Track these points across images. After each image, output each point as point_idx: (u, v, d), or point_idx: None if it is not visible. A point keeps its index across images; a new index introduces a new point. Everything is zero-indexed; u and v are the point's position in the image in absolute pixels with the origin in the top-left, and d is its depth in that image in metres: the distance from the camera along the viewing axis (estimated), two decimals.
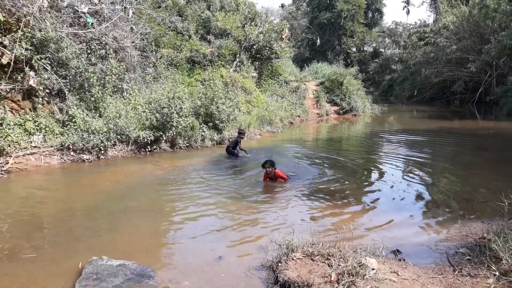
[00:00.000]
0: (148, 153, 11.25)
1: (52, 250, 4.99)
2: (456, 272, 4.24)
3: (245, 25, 20.04)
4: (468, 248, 4.87)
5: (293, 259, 4.36)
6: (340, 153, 12.16)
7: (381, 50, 52.80)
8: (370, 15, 51.73)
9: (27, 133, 9.75)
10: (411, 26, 49.13)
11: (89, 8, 12.44)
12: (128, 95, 12.82)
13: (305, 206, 6.81)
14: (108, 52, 12.21)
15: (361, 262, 4.03)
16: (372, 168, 9.92)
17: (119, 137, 10.80)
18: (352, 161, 10.82)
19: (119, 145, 10.90)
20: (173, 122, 11.36)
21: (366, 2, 47.28)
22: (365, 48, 53.22)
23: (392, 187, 8.16)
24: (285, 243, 4.67)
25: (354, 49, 50.60)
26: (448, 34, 31.78)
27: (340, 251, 4.41)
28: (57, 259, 4.75)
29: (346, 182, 8.48)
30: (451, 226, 5.84)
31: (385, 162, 10.65)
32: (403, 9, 68.53)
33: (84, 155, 10.09)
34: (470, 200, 7.18)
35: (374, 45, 53.40)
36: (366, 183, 8.47)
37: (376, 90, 44.69)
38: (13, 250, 4.98)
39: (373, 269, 3.99)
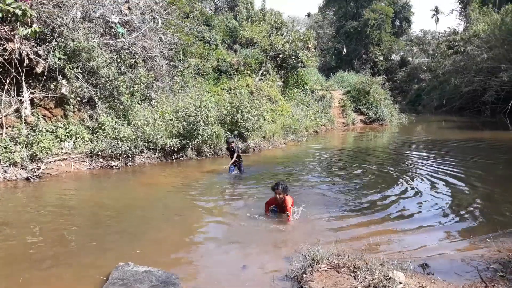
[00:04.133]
0: (174, 160, 11.39)
1: (80, 255, 5.09)
2: None
3: (271, 35, 20.18)
4: (500, 264, 4.70)
5: (318, 271, 4.31)
6: (366, 164, 11.99)
7: (408, 59, 52.09)
8: (397, 23, 51.20)
9: (58, 139, 10.03)
10: (440, 34, 48.21)
11: (119, 18, 12.78)
12: (156, 103, 13.06)
13: (331, 217, 6.72)
14: (137, 62, 12.49)
15: (388, 276, 3.95)
16: (399, 179, 9.69)
17: (146, 144, 11.00)
18: (378, 171, 10.65)
19: (147, 153, 11.10)
20: (199, 130, 11.47)
21: (393, 11, 46.83)
22: (392, 57, 52.60)
23: (420, 199, 7.97)
24: (310, 254, 4.63)
25: (381, 58, 50.00)
26: (479, 43, 31.02)
27: (366, 263, 4.33)
28: (84, 263, 4.84)
29: (373, 194, 8.33)
30: (482, 241, 5.64)
31: (412, 173, 10.41)
32: (432, 17, 67.43)
33: (112, 162, 10.32)
34: (502, 215, 6.93)
35: (401, 53, 52.78)
36: (393, 195, 8.27)
37: (403, 100, 44.04)
38: (43, 253, 5.12)
39: (400, 283, 3.90)
